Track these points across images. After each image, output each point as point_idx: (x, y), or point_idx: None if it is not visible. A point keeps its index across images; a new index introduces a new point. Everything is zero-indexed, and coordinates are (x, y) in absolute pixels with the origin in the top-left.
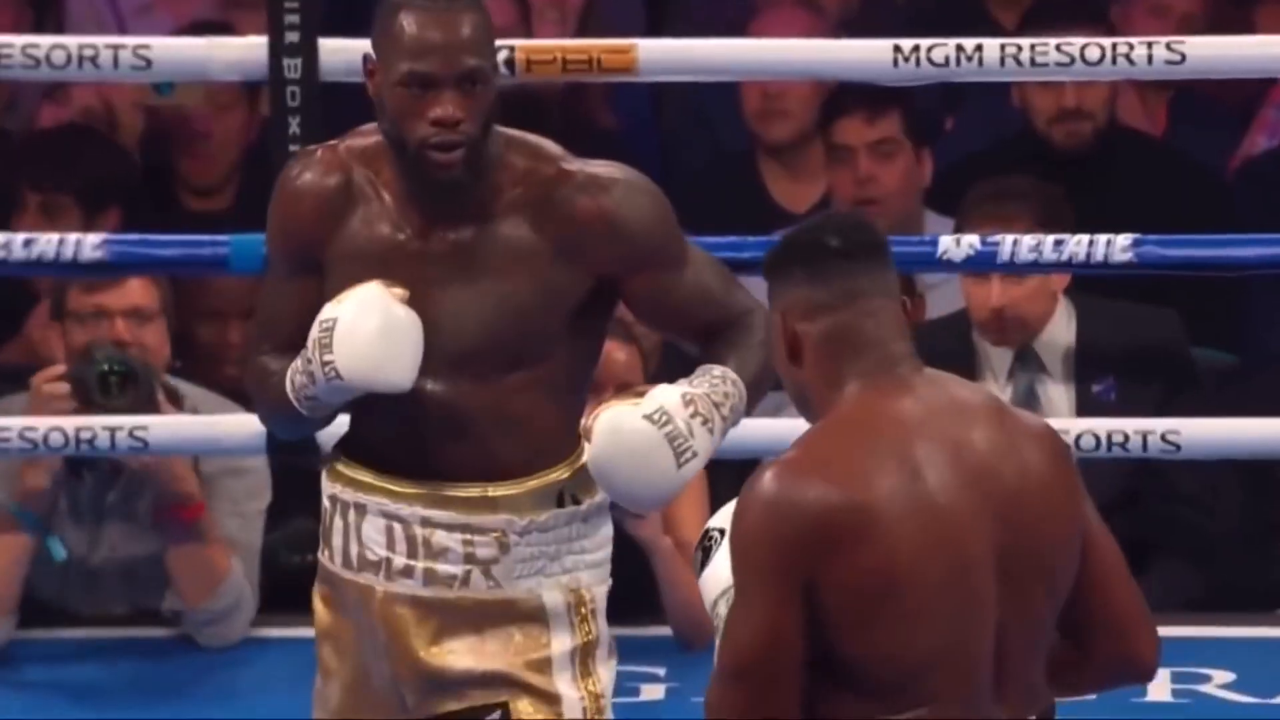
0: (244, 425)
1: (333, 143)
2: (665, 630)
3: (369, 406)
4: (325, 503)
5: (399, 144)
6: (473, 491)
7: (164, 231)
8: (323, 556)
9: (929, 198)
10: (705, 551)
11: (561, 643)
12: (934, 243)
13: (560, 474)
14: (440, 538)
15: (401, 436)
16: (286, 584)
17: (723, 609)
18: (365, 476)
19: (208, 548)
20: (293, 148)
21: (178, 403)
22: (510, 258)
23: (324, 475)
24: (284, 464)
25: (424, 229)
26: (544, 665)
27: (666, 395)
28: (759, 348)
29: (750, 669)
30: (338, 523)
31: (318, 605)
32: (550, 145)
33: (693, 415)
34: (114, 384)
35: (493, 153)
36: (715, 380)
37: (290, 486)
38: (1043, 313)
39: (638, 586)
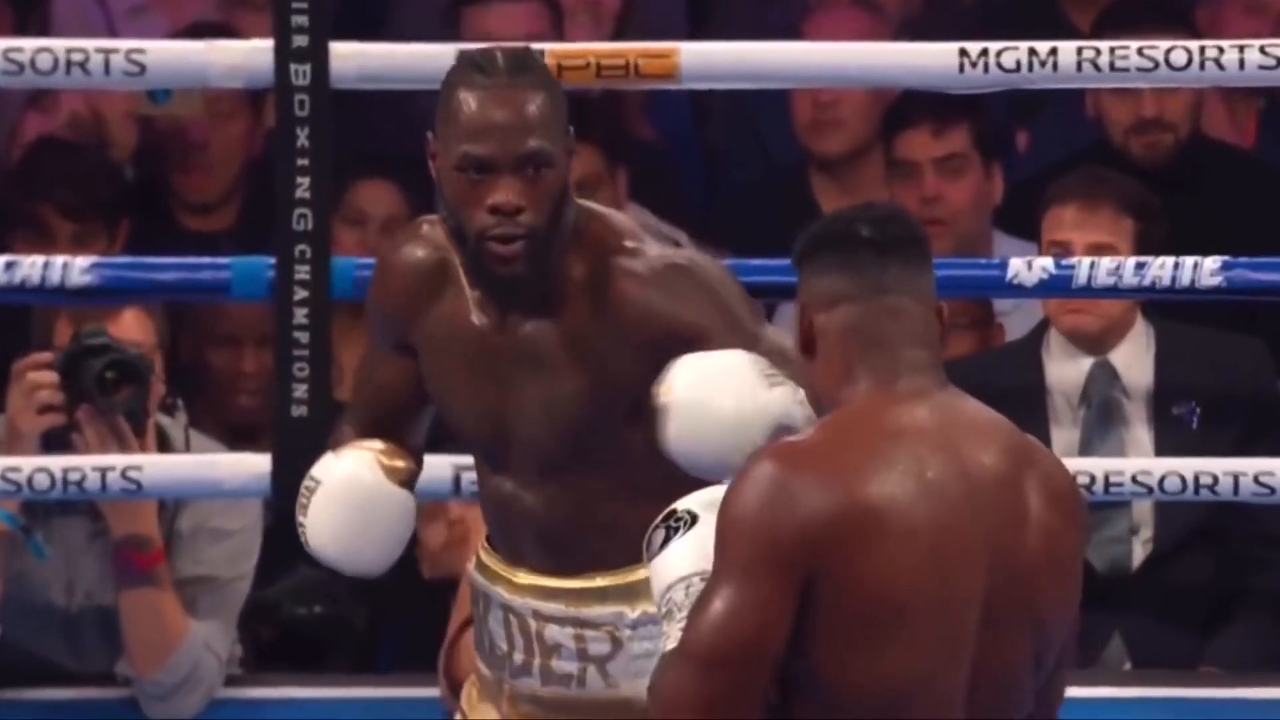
0: (246, 465)
1: (429, 229)
2: None
3: (484, 490)
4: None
5: (458, 234)
6: (580, 582)
7: (159, 253)
8: (476, 647)
9: (998, 217)
10: (668, 532)
11: None
12: (1004, 266)
13: None
14: (553, 632)
15: (506, 531)
16: (285, 639)
17: (679, 595)
18: (492, 564)
19: (162, 607)
20: (300, 161)
21: (165, 446)
22: (573, 351)
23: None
24: (290, 510)
25: (499, 320)
26: None
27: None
28: None
29: (729, 659)
30: (477, 611)
31: (470, 697)
32: (623, 221)
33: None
34: (111, 380)
35: (568, 234)
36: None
37: (293, 534)
38: (1125, 313)
39: None
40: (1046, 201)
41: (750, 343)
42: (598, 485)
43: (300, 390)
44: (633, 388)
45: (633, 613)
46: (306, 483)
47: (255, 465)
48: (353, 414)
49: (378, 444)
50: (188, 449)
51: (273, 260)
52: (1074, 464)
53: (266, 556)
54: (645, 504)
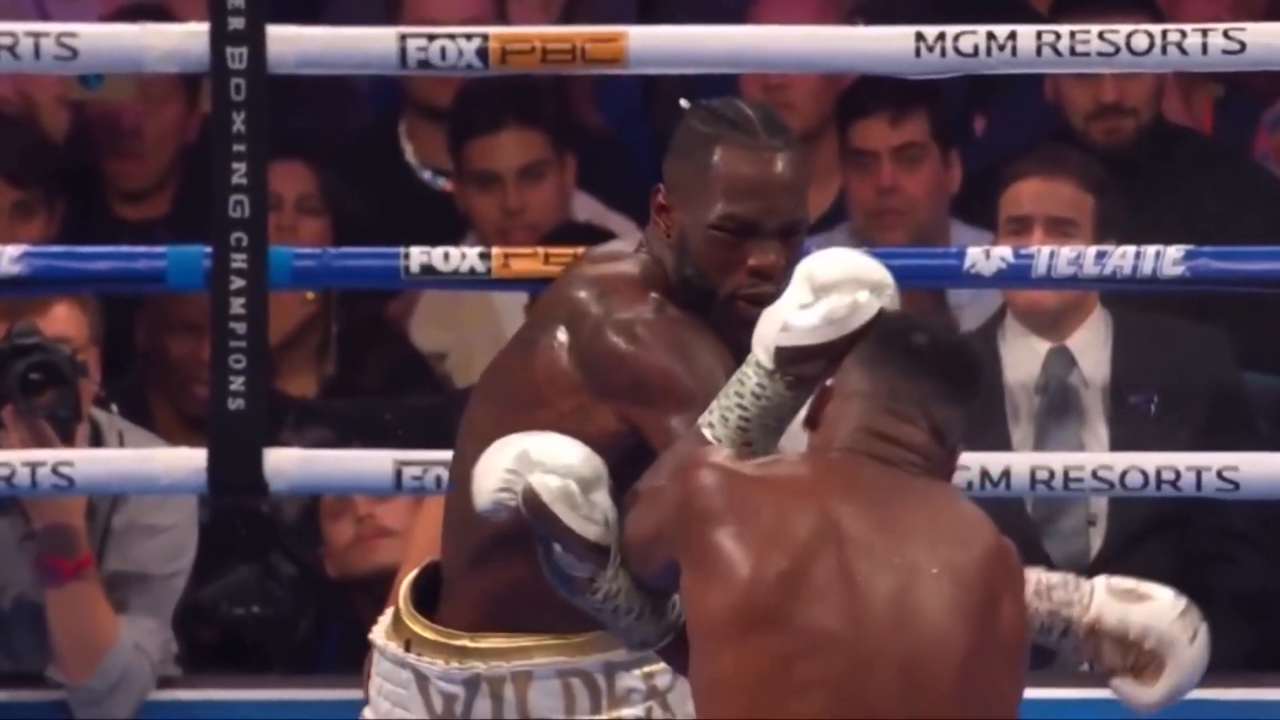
0: (182, 460)
1: (650, 299)
2: None
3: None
4: (449, 690)
5: (704, 292)
6: None
7: (93, 242)
8: None
9: (956, 206)
10: None
11: None
12: (961, 255)
13: None
14: (624, 680)
15: None
16: (224, 640)
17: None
18: (528, 641)
19: (90, 612)
20: (237, 147)
21: (99, 441)
22: None
23: (430, 663)
24: (227, 507)
25: None
26: None
27: None
28: None
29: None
30: (481, 705)
31: None
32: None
33: None
34: (35, 382)
35: None
36: None
37: (232, 533)
38: (1078, 301)
39: None
40: (1004, 178)
41: (660, 411)
42: None
43: (237, 383)
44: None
45: None
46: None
47: (191, 460)
48: None
49: None
50: (121, 445)
51: (209, 249)
52: (1034, 459)
53: (204, 556)
54: None
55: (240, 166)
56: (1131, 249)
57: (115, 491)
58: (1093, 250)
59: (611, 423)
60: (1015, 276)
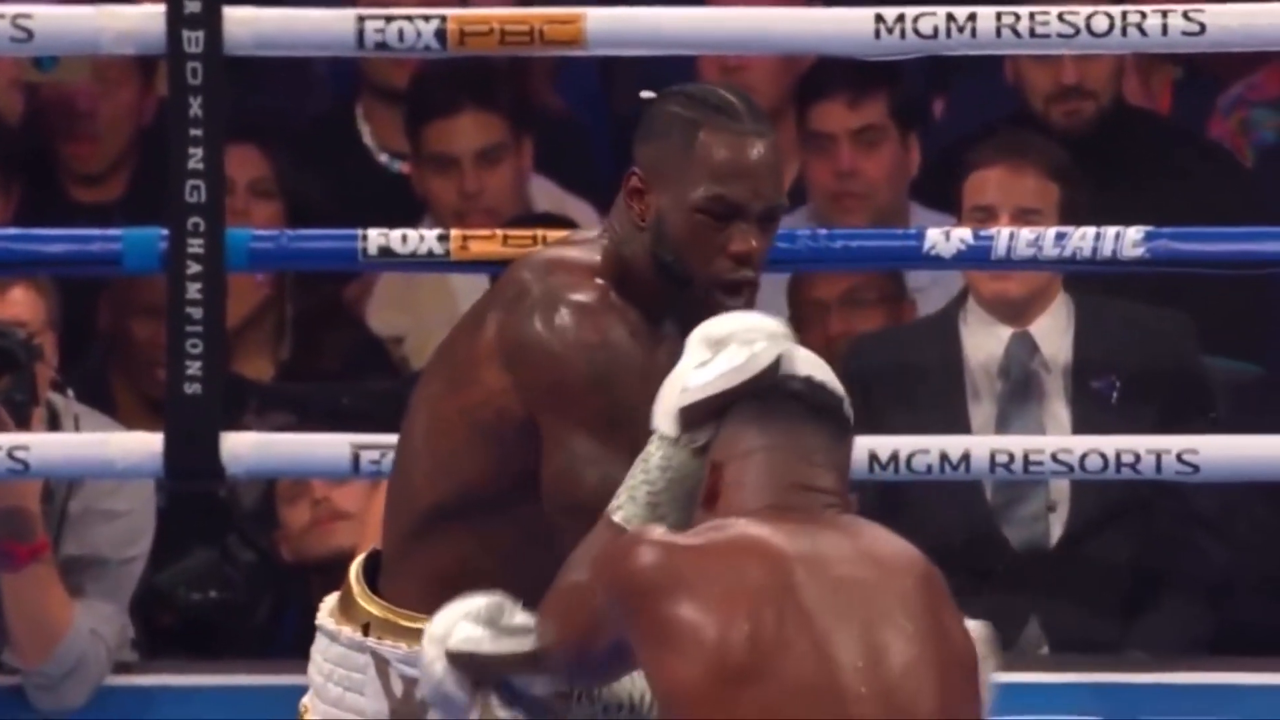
0: (138, 444)
1: (592, 289)
2: None
3: (524, 552)
4: (409, 673)
5: (681, 276)
6: None
7: (47, 225)
8: None
9: (915, 189)
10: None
11: None
12: (920, 237)
13: None
14: None
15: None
16: (178, 626)
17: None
18: None
19: (46, 598)
20: (193, 131)
21: (55, 425)
22: None
23: (391, 647)
24: (184, 491)
25: (670, 367)
26: None
27: None
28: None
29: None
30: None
31: None
32: None
33: None
34: None
35: None
36: None
37: (189, 517)
38: (1047, 281)
39: None
40: (967, 165)
41: (564, 435)
42: None
43: (193, 367)
44: None
45: None
46: None
47: (147, 444)
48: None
49: None
50: (78, 429)
51: (165, 232)
52: (993, 442)
53: (161, 540)
54: None
55: (197, 151)
56: (1091, 230)
57: (71, 476)
58: (1052, 232)
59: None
60: (975, 258)
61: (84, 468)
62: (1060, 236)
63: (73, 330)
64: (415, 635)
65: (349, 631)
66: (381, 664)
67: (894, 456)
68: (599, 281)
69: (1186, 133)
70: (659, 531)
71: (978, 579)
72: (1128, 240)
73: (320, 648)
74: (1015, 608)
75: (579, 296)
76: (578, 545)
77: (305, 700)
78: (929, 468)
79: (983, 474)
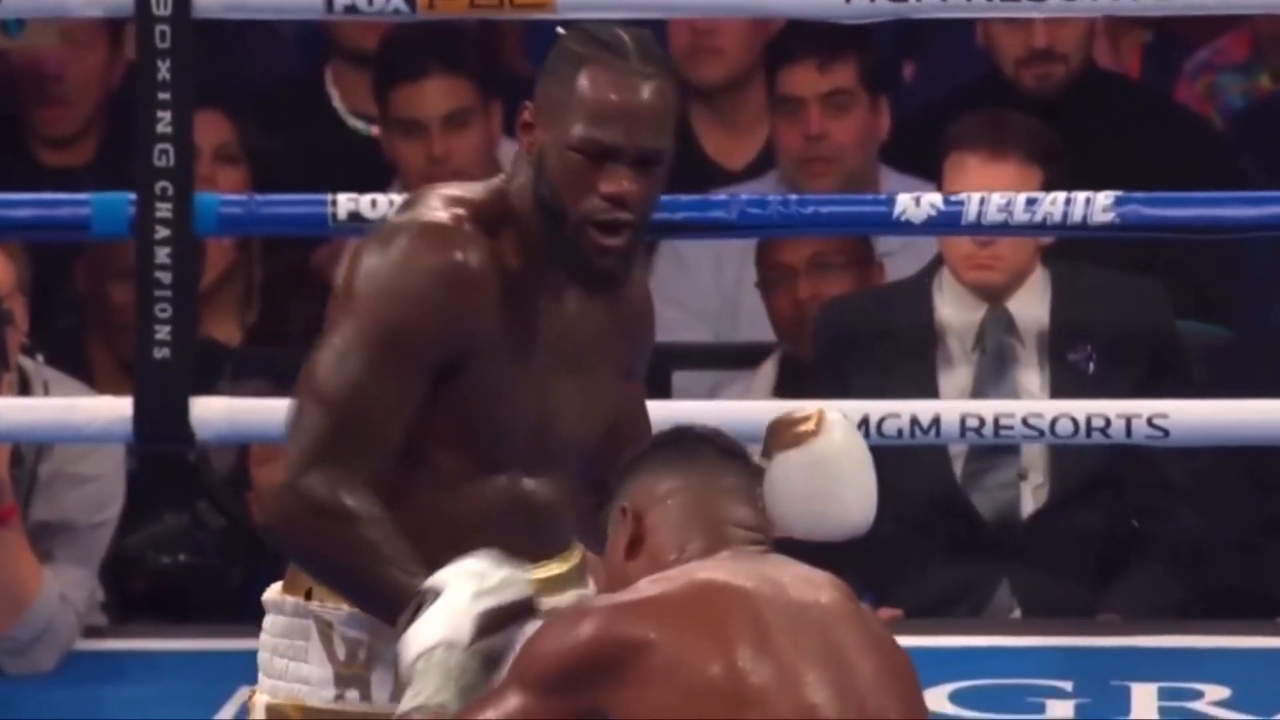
0: (107, 409)
1: (451, 213)
2: None
3: (453, 509)
4: (353, 635)
5: (557, 214)
6: (556, 569)
7: (14, 190)
8: (336, 703)
9: (886, 153)
10: (416, 609)
11: None
12: (891, 202)
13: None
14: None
15: (496, 535)
16: (148, 590)
17: (420, 665)
18: None
19: (14, 563)
20: (162, 95)
21: (26, 390)
22: (607, 347)
23: (334, 609)
24: (154, 454)
25: (553, 310)
26: None
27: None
28: None
29: None
30: (387, 652)
31: None
32: None
33: None
34: None
35: None
36: None
37: (158, 480)
38: (1028, 264)
39: None
40: (947, 144)
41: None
42: (577, 474)
43: (163, 332)
44: (624, 380)
45: (587, 590)
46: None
47: (117, 409)
48: (361, 459)
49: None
50: (47, 394)
51: (133, 197)
52: (963, 406)
53: (131, 505)
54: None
55: (165, 115)
56: (1062, 195)
57: (40, 440)
58: (1023, 198)
59: None
60: (945, 224)
61: (53, 432)
62: (1031, 202)
63: (44, 294)
64: None
65: (291, 600)
66: (324, 627)
67: (864, 421)
68: (459, 212)
69: (1155, 97)
70: (602, 600)
71: (947, 546)
72: (1098, 205)
73: (267, 624)
74: (986, 574)
75: (426, 220)
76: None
77: (246, 688)
78: (899, 432)
79: (953, 439)
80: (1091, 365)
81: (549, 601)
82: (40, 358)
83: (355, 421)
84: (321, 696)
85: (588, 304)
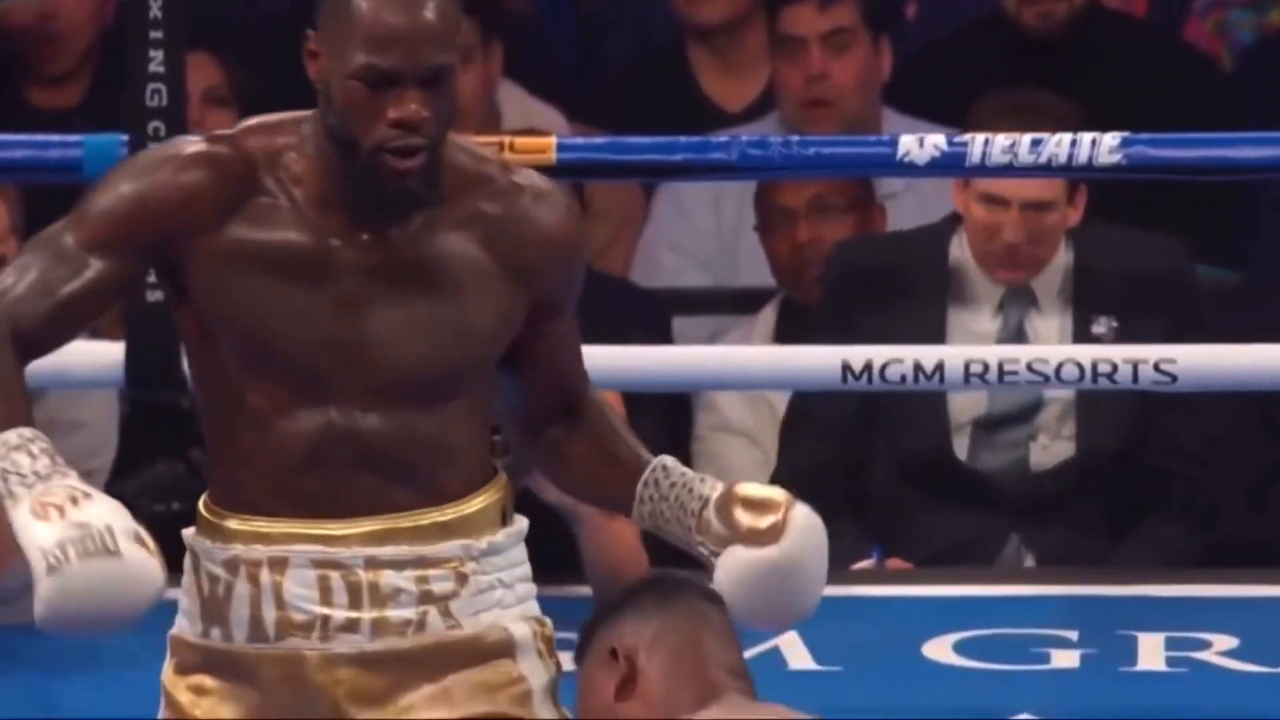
0: (97, 354)
1: (226, 133)
2: (586, 591)
3: (267, 435)
4: (214, 571)
5: (348, 144)
6: (426, 517)
7: (6, 131)
8: (202, 639)
9: (888, 93)
10: None
11: (537, 677)
12: (894, 143)
13: (499, 490)
14: (389, 579)
15: (327, 473)
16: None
17: None
18: (284, 526)
19: (5, 509)
20: (153, 34)
21: None
22: (459, 276)
23: (201, 541)
24: (146, 401)
25: (350, 233)
26: (525, 699)
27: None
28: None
29: None
30: (241, 590)
31: (189, 700)
32: (484, 147)
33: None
34: None
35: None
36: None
37: (151, 427)
38: (1056, 250)
39: (555, 549)
40: (970, 123)
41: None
42: (447, 412)
43: (154, 274)
44: (518, 321)
45: (479, 543)
46: (104, 533)
47: (108, 354)
48: (19, 314)
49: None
50: None
51: (125, 138)
52: (969, 352)
53: (124, 451)
54: (484, 425)
55: (157, 54)
56: (1067, 136)
57: (30, 385)
58: (1028, 139)
59: None
60: (949, 165)
61: (43, 378)
62: (1036, 143)
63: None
64: (218, 532)
65: (188, 534)
66: (195, 559)
67: (867, 366)
68: (223, 133)
69: (1162, 35)
70: None
71: (957, 502)
72: (1104, 146)
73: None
74: (996, 529)
75: (194, 136)
76: None
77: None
78: (903, 377)
79: (957, 385)
80: (1115, 335)
81: (398, 551)
82: None
83: (36, 274)
84: (193, 630)
85: (425, 233)
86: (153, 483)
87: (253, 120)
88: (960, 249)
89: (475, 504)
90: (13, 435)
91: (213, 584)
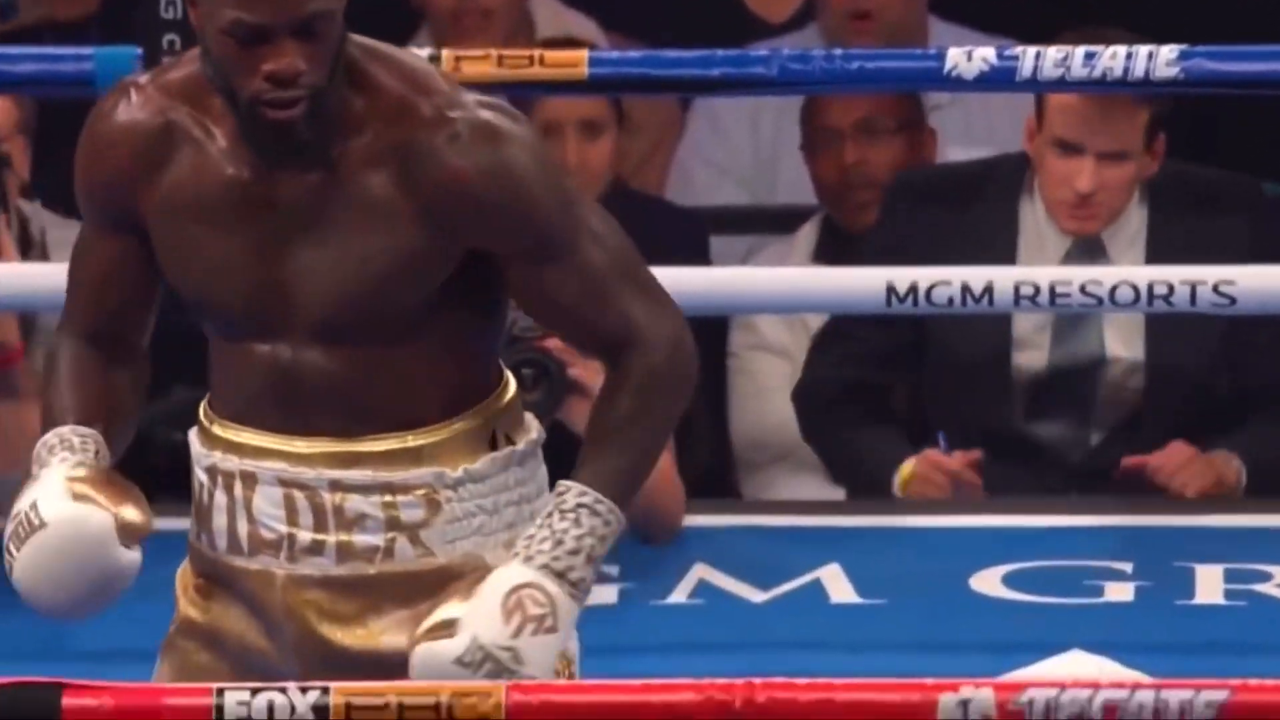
0: None
1: (148, 76)
2: None
3: (232, 362)
4: (200, 476)
5: (227, 94)
6: (390, 443)
7: (17, 43)
8: (198, 541)
9: (934, 2)
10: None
11: None
12: (941, 57)
13: (487, 412)
14: (355, 503)
15: (284, 399)
16: (158, 466)
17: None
18: (253, 439)
19: (20, 406)
20: None
21: (26, 240)
22: (367, 214)
23: (194, 441)
24: (162, 325)
25: (268, 173)
26: None
27: (480, 622)
28: (654, 396)
29: None
30: (220, 499)
31: (188, 599)
32: (432, 74)
33: (521, 627)
34: None
35: (350, 79)
36: (562, 535)
37: (168, 352)
38: (1129, 200)
39: None
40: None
41: (577, 243)
42: (400, 347)
43: None
44: (440, 265)
45: (454, 471)
46: (29, 514)
47: None
48: (73, 320)
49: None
50: (44, 238)
51: (139, 51)
52: (1017, 274)
53: None
54: (458, 359)
55: None
56: (1123, 49)
57: (35, 307)
58: (1081, 51)
59: None
60: (999, 80)
61: (48, 298)
62: (1089, 56)
63: (48, 138)
64: (206, 436)
65: (191, 433)
66: (190, 462)
67: (912, 288)
68: (156, 76)
69: None
70: None
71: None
72: (1161, 60)
73: None
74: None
75: (118, 94)
76: None
77: None
78: (950, 300)
79: (1007, 306)
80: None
81: (363, 475)
82: (39, 201)
83: (71, 278)
84: (194, 532)
85: (341, 168)
86: (169, 410)
87: (190, 52)
88: (1029, 195)
89: (447, 431)
90: (52, 436)
91: (200, 489)
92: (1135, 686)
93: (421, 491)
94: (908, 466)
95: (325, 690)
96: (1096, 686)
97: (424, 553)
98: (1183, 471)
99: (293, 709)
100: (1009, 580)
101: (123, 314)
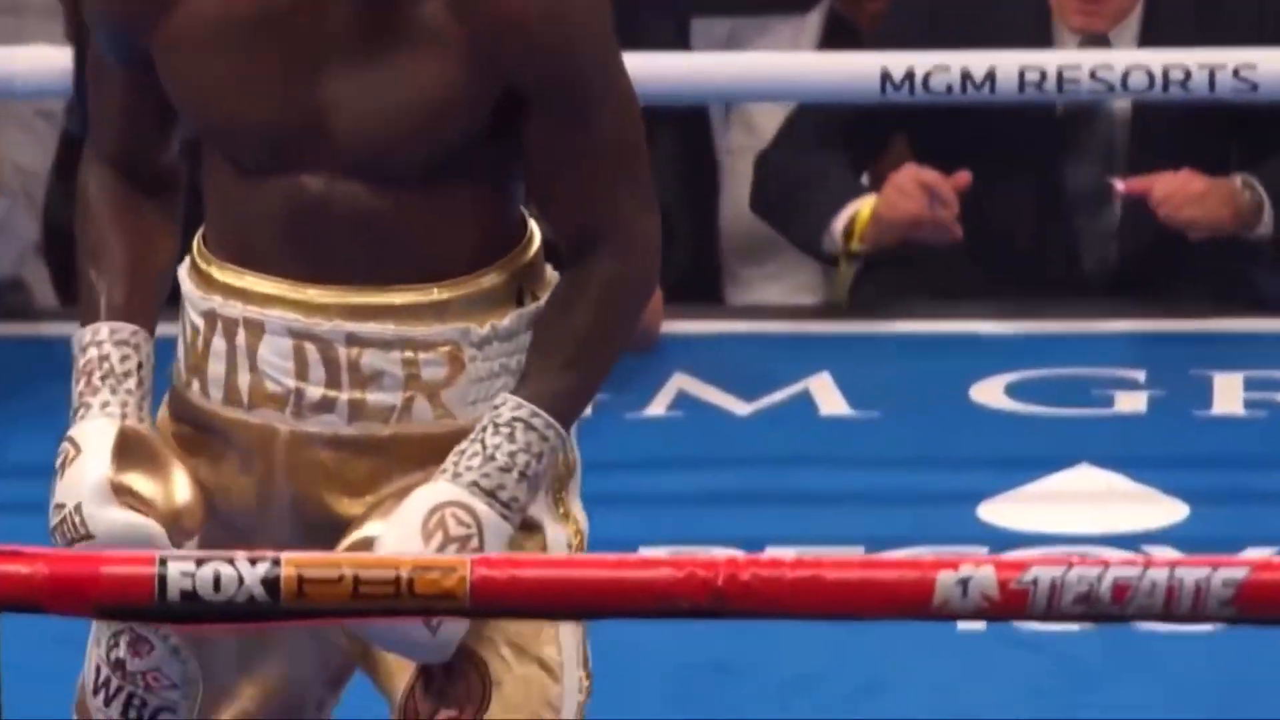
0: (44, 61)
1: None
2: None
3: (241, 198)
4: (194, 319)
5: None
6: (414, 295)
7: None
8: (186, 389)
9: None
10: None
11: None
12: None
13: (514, 265)
14: (372, 358)
15: (305, 242)
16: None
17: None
18: (258, 284)
19: None
20: None
21: None
22: (415, 40)
23: (185, 280)
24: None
25: (314, 3)
26: None
27: (398, 542)
28: (614, 310)
29: None
30: (218, 345)
31: (174, 448)
32: None
33: (441, 548)
34: None
35: None
36: (494, 450)
37: None
38: (1131, 5)
39: None
40: None
41: (603, 107)
42: (437, 189)
43: None
44: (485, 103)
45: (481, 328)
46: (74, 517)
47: (53, 60)
48: (100, 145)
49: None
50: None
51: None
52: (1022, 58)
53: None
54: (491, 205)
55: None
56: None
57: None
58: None
59: None
60: None
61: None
62: None
63: None
64: (202, 278)
65: (181, 270)
66: (184, 305)
67: (909, 75)
68: None
69: None
70: None
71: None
72: None
73: None
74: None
75: None
76: None
77: None
78: (948, 87)
79: (1010, 94)
80: None
81: (383, 329)
82: None
83: (91, 101)
84: (181, 379)
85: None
86: None
87: None
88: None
89: (474, 285)
90: (92, 347)
91: (194, 334)
92: (1148, 564)
93: (445, 349)
94: (865, 206)
95: (276, 561)
96: (1106, 564)
97: (443, 414)
98: (1190, 205)
99: (241, 580)
100: (1012, 390)
101: (151, 143)
